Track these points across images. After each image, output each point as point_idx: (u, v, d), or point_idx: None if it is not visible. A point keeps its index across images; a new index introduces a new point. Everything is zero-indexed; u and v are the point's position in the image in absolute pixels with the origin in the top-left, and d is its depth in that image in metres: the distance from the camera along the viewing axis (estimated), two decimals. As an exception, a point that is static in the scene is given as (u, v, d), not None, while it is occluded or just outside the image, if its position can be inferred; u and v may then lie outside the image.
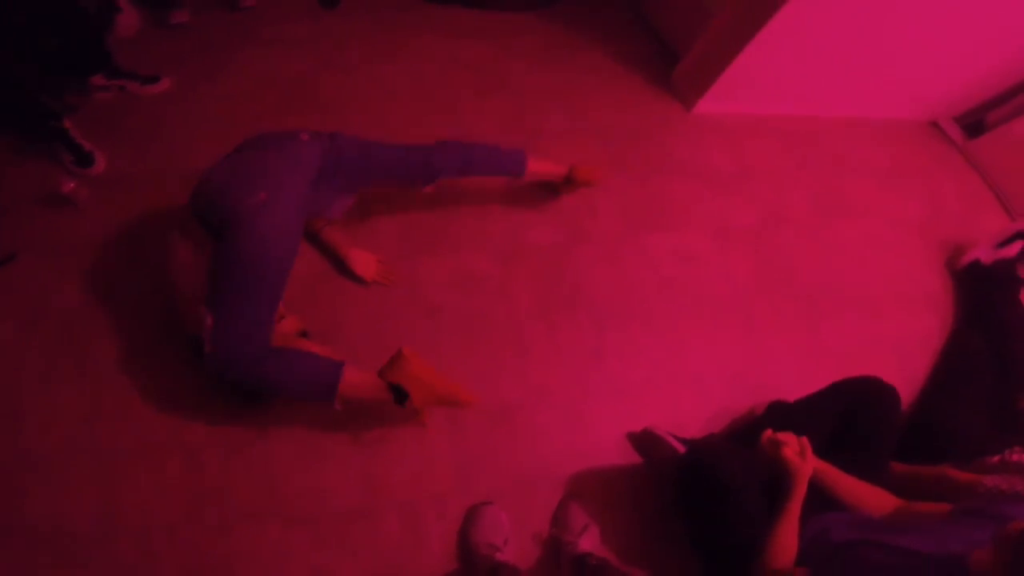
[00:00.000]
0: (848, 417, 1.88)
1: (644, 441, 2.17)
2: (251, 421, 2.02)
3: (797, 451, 1.66)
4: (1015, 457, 1.91)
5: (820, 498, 1.70)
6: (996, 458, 1.93)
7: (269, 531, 1.87)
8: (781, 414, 2.08)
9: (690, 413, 2.28)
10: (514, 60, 3.17)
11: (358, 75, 2.92)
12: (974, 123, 3.56)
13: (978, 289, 2.76)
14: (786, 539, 1.59)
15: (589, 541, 1.89)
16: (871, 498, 1.70)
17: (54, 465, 1.89)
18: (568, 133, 2.92)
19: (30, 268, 2.22)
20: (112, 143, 2.48)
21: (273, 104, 2.74)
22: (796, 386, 2.10)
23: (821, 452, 1.73)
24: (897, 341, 2.62)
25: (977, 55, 3.08)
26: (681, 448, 2.00)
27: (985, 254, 2.80)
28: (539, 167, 2.41)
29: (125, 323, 2.14)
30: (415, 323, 2.28)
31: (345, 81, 2.88)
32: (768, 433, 1.72)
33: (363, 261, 2.32)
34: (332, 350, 1.97)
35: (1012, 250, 2.75)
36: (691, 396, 2.32)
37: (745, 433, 2.10)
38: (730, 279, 2.64)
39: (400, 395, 1.79)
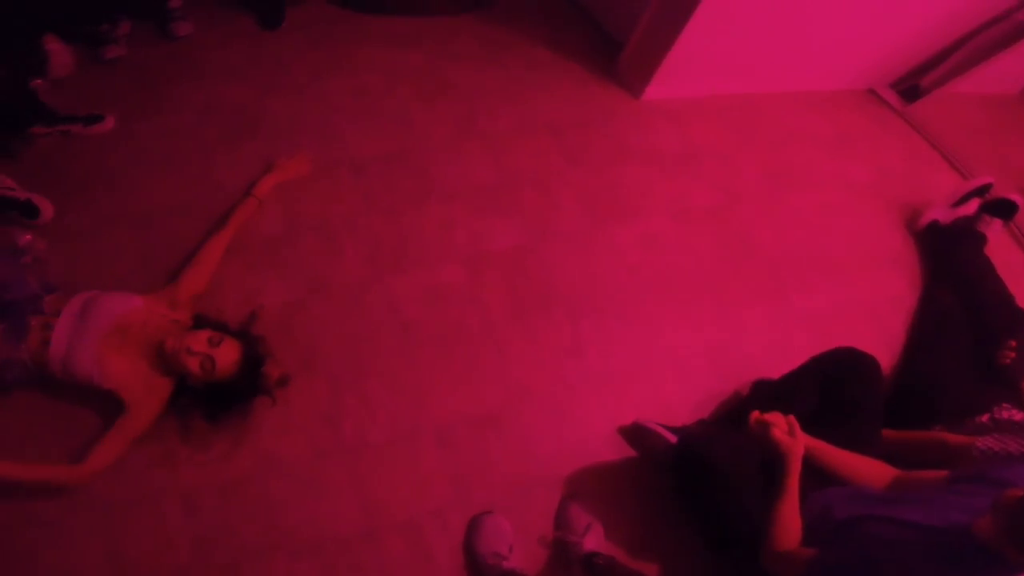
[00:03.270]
0: (831, 390, 1.92)
1: (635, 434, 2.18)
2: (241, 459, 1.99)
3: (786, 430, 1.69)
4: (1004, 415, 1.96)
5: (819, 475, 1.72)
6: (985, 417, 1.98)
7: (277, 565, 1.85)
8: (766, 393, 2.11)
9: (676, 398, 2.30)
10: (456, 63, 3.14)
11: (302, 95, 2.87)
12: (909, 88, 3.65)
13: (942, 248, 2.81)
14: (788, 520, 1.61)
15: (594, 540, 1.90)
16: (868, 470, 1.73)
17: (57, 521, 1.84)
18: (521, 131, 2.92)
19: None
20: (61, 190, 2.38)
21: (219, 135, 2.67)
22: (776, 358, 2.16)
23: (810, 427, 1.75)
24: (870, 303, 2.68)
25: (906, 21, 3.14)
26: (672, 438, 2.01)
27: (942, 214, 2.87)
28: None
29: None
30: (391, 341, 2.26)
31: (290, 103, 2.83)
32: (755, 414, 1.74)
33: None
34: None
35: (969, 208, 2.82)
36: (675, 381, 2.34)
37: (734, 416, 2.12)
38: (696, 260, 2.67)
39: None
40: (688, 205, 2.84)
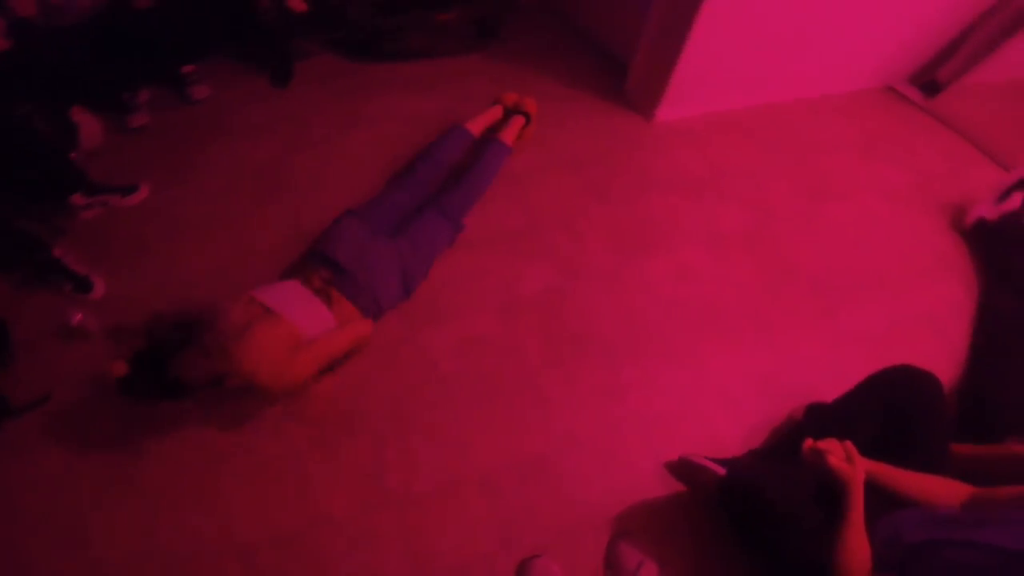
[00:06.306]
0: (891, 412, 1.81)
1: (683, 469, 2.13)
2: (296, 510, 2.01)
3: (843, 457, 1.60)
4: None
5: (888, 499, 1.62)
6: None
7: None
8: (820, 418, 2.01)
9: (726, 431, 2.24)
10: (470, 104, 3.10)
11: (325, 149, 2.91)
12: (928, 83, 3.58)
13: (992, 247, 2.73)
14: (854, 550, 1.51)
15: (648, 577, 1.86)
16: (940, 489, 1.60)
17: (123, 573, 1.89)
18: (541, 169, 2.91)
19: (68, 401, 2.18)
20: (106, 264, 2.46)
21: (248, 195, 2.72)
22: (830, 382, 2.09)
23: (872, 451, 1.66)
24: (925, 313, 2.58)
25: (914, 11, 3.09)
26: (721, 471, 1.95)
27: (988, 210, 2.79)
28: (480, 125, 2.82)
29: (166, 443, 2.12)
30: (430, 395, 2.26)
31: (313, 158, 2.87)
32: (808, 443, 1.66)
33: None
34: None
35: (1015, 202, 2.74)
36: (723, 414, 2.28)
37: (787, 444, 2.01)
38: (735, 286, 2.61)
39: None
40: (719, 230, 2.79)
